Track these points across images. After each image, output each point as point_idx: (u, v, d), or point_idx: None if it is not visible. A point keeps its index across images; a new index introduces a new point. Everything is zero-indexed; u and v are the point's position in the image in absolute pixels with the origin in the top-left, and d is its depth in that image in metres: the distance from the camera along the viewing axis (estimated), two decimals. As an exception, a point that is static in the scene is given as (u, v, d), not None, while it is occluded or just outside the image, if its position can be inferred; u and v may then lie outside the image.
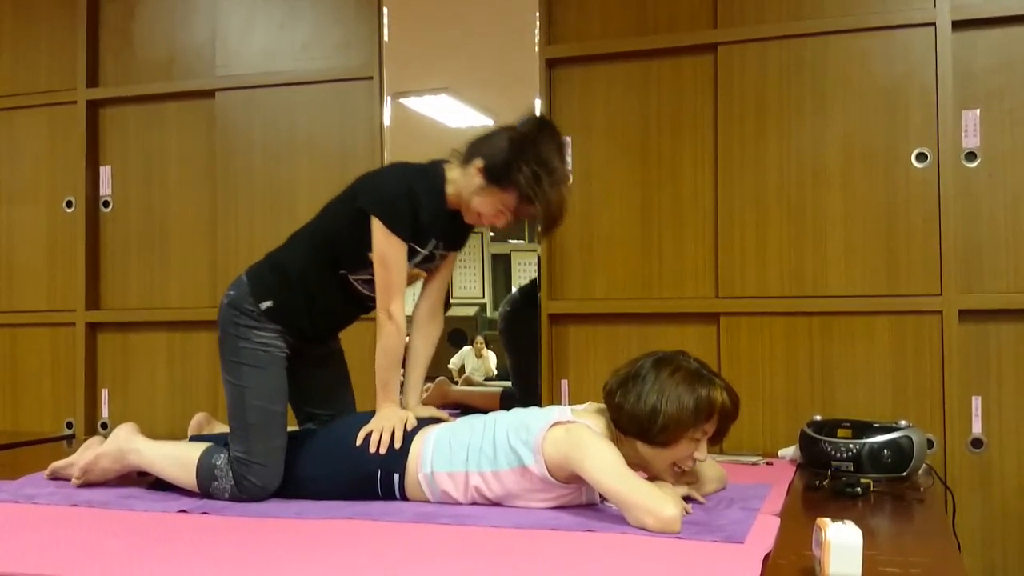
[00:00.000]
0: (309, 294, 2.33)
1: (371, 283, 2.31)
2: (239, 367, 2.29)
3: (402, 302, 2.26)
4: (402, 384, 2.39)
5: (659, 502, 1.81)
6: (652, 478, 2.01)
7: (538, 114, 2.90)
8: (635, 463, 1.98)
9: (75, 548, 1.76)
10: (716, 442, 2.06)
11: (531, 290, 3.25)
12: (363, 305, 2.42)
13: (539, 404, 3.06)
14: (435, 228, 2.30)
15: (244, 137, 3.51)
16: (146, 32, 3.68)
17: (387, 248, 2.22)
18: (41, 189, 3.77)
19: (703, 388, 1.96)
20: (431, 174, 2.30)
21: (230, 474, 2.19)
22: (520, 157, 2.16)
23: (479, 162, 2.22)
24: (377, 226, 2.22)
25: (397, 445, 2.14)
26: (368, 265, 2.28)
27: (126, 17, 3.70)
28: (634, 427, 1.97)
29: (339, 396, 2.52)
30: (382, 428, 2.17)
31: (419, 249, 2.30)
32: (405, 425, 2.19)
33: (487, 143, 2.25)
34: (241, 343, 2.30)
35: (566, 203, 2.23)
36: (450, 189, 2.29)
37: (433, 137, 3.48)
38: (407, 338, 2.37)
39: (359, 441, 2.17)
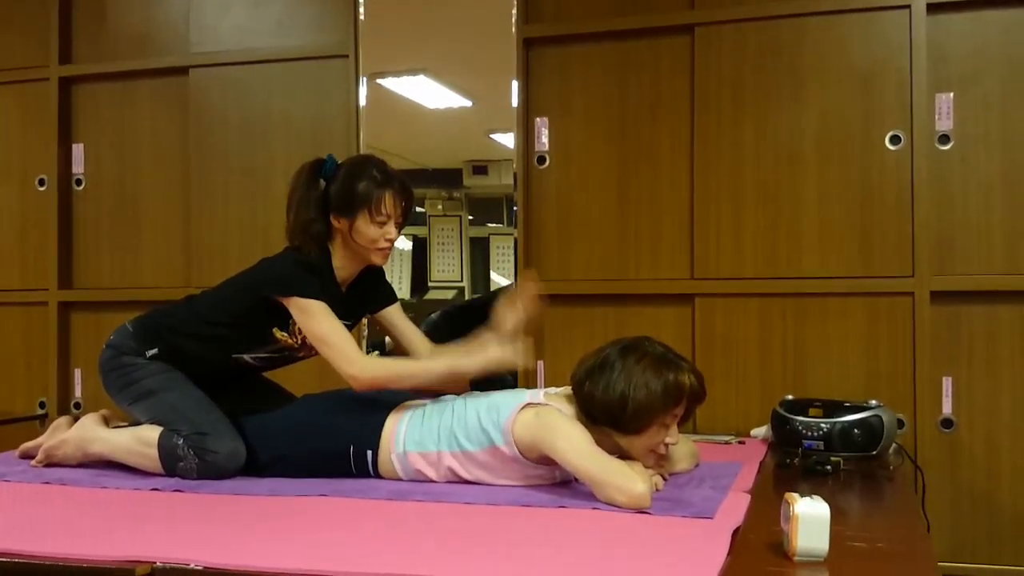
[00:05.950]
0: (195, 361, 2.32)
1: (269, 359, 2.33)
2: (137, 386, 2.28)
3: (357, 359, 2.18)
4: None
5: (629, 479, 1.83)
6: (628, 459, 2.02)
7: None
8: (610, 450, 1.99)
9: (47, 525, 1.75)
10: (683, 423, 2.07)
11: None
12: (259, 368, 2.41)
13: (514, 386, 3.06)
14: (329, 298, 2.27)
15: (218, 115, 3.48)
16: (119, 8, 3.63)
17: (315, 320, 2.19)
18: (13, 167, 3.72)
19: (670, 373, 1.96)
20: (316, 257, 2.29)
21: (191, 452, 2.17)
22: (354, 176, 2.25)
23: (333, 215, 2.26)
24: (296, 306, 2.19)
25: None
26: (270, 342, 2.28)
27: (99, -7, 3.66)
28: (605, 416, 1.97)
29: (271, 393, 2.47)
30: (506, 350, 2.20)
31: None
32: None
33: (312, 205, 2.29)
34: (131, 373, 2.30)
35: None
36: (337, 261, 2.30)
37: (411, 118, 3.46)
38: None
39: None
